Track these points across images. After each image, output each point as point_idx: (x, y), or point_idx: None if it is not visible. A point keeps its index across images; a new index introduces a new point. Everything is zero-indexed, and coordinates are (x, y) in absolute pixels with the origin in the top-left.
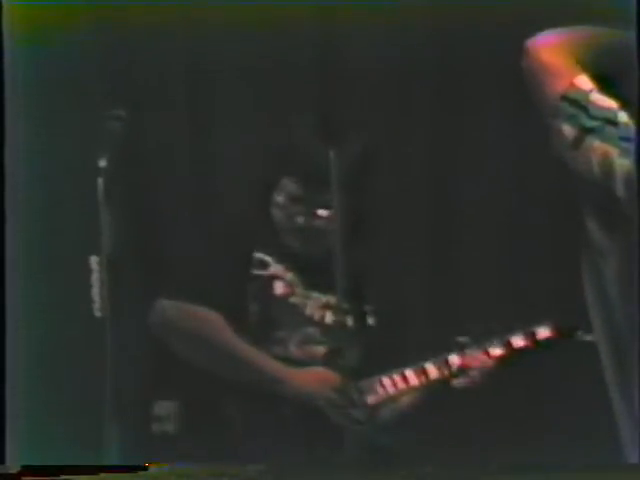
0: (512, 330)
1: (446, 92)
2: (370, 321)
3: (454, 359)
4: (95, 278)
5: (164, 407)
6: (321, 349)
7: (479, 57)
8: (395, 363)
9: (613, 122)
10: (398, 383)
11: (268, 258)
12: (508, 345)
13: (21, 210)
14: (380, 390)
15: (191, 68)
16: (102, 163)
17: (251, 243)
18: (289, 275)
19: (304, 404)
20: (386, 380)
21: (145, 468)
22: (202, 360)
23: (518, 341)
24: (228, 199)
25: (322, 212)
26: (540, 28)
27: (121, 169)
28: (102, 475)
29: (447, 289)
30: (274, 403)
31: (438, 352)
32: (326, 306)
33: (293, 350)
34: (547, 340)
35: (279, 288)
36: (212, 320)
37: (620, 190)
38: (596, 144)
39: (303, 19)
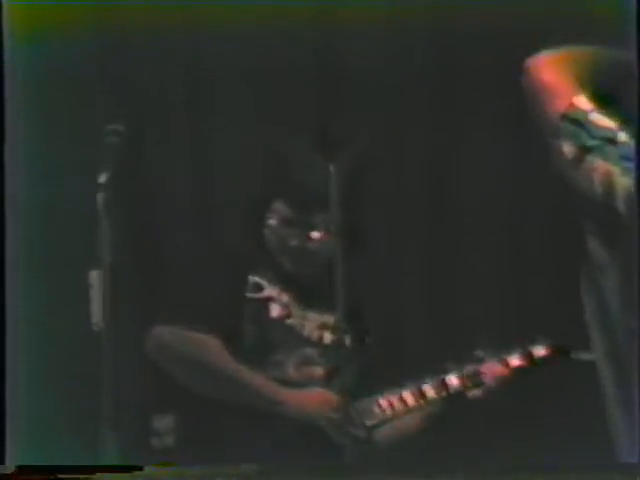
0: (509, 349)
1: (446, 97)
2: (369, 340)
3: (451, 379)
4: (94, 292)
5: (162, 422)
6: (319, 370)
7: (480, 60)
8: (395, 382)
9: (613, 141)
10: (395, 404)
11: (262, 281)
12: (505, 364)
13: (21, 210)
14: (378, 412)
15: (191, 71)
16: (102, 178)
17: (245, 266)
18: (284, 297)
19: (304, 425)
20: (383, 402)
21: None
22: (201, 385)
23: (515, 360)
24: (224, 220)
25: (315, 234)
26: (542, 31)
27: (119, 182)
28: (100, 475)
29: (446, 307)
30: (274, 424)
31: (437, 371)
32: (324, 326)
33: (291, 372)
34: (544, 359)
35: (275, 310)
36: (209, 345)
37: (622, 207)
38: (597, 163)
39: (302, 22)
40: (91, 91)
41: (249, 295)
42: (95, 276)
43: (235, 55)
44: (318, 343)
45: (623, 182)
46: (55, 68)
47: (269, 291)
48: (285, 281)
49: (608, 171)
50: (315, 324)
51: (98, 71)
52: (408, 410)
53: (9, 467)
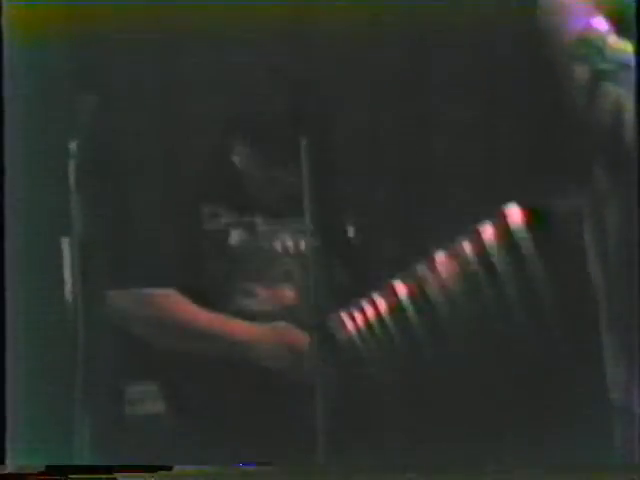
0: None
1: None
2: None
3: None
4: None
5: (138, 390)
6: (291, 289)
7: (460, 63)
8: (373, 285)
9: (628, 67)
10: (367, 312)
11: (219, 209)
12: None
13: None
14: (349, 324)
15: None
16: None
17: (198, 199)
18: (247, 219)
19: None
20: (355, 311)
21: (150, 469)
22: (168, 342)
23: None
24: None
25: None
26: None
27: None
28: (103, 475)
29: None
30: (246, 372)
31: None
32: (298, 234)
33: (262, 297)
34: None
35: (236, 236)
36: (167, 300)
37: (628, 135)
38: (609, 87)
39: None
40: (91, 92)
41: (205, 227)
42: (67, 244)
43: (218, 57)
44: (294, 254)
45: (633, 108)
46: (56, 69)
47: (227, 218)
48: (247, 204)
49: (619, 96)
50: (289, 234)
51: (98, 72)
52: (382, 318)
53: (37, 467)
